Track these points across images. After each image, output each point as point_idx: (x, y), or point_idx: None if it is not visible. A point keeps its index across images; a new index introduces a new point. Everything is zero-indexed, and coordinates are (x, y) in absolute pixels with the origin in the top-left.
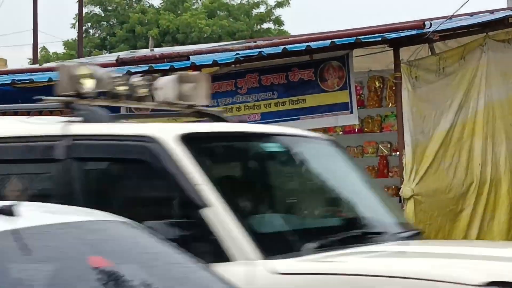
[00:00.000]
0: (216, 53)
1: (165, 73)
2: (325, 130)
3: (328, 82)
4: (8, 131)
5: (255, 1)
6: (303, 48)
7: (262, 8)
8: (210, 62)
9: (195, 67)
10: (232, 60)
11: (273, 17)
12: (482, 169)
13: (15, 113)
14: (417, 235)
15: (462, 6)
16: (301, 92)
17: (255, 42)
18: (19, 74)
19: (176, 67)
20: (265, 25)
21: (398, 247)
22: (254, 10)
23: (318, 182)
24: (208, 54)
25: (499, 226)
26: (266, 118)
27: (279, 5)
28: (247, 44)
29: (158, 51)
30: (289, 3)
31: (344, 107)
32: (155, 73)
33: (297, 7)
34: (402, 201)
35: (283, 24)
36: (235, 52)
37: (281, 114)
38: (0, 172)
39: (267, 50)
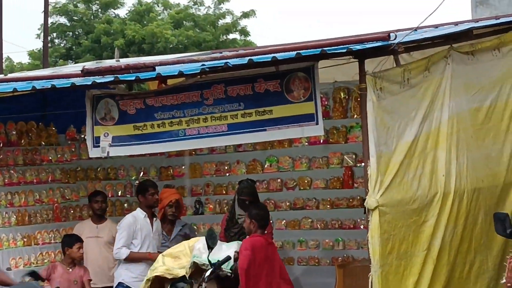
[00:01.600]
0: (182, 64)
1: (130, 83)
2: (290, 141)
3: (294, 93)
4: None
5: (221, 11)
6: (269, 59)
7: (228, 19)
8: (176, 73)
9: (161, 77)
10: (198, 71)
11: (239, 28)
12: (446, 180)
13: None
14: None
15: (426, 18)
16: (268, 103)
17: (221, 53)
18: None
19: (141, 77)
20: (231, 36)
21: None
22: (220, 20)
23: None
24: (174, 65)
25: (456, 239)
26: (232, 129)
27: (245, 15)
28: (213, 55)
29: (123, 61)
30: (255, 14)
31: (309, 118)
32: (120, 84)
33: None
34: (366, 211)
35: (249, 35)
36: (201, 63)
37: (247, 125)
38: None
39: (233, 61)
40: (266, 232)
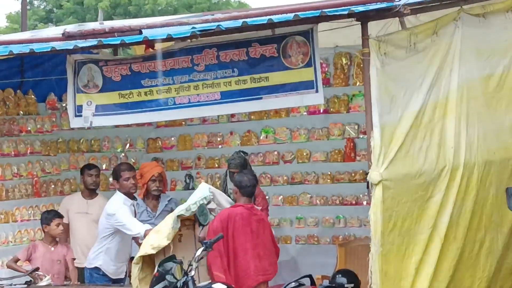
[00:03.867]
0: (171, 27)
1: (115, 48)
2: (288, 111)
3: (292, 59)
4: None
5: None
6: (265, 22)
7: None
8: (164, 37)
9: (148, 41)
10: (188, 35)
11: None
12: (455, 153)
13: None
14: None
15: None
16: (263, 69)
17: (213, 15)
18: None
19: (127, 41)
20: None
21: None
22: None
23: None
24: (162, 28)
25: (465, 215)
26: (226, 97)
27: None
28: (204, 17)
29: (108, 24)
30: None
31: (308, 85)
32: (104, 48)
33: None
34: (370, 186)
35: None
36: (191, 26)
37: (242, 93)
38: None
39: (225, 24)
40: (259, 206)
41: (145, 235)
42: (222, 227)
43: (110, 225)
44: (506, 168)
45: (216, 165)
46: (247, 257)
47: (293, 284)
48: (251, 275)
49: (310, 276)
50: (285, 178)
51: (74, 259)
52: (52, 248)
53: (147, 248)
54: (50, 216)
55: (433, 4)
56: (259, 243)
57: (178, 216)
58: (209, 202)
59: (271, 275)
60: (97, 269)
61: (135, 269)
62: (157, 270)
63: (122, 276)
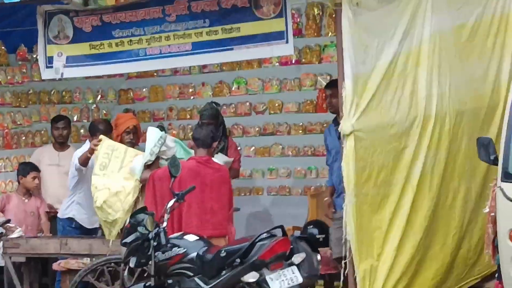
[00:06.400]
0: None
1: None
2: (260, 61)
3: (264, 9)
4: None
5: None
6: None
7: None
8: None
9: None
10: None
11: None
12: (427, 103)
13: None
14: None
15: None
16: (235, 20)
17: None
18: None
19: None
20: None
21: None
22: None
23: None
24: None
25: (438, 166)
26: (197, 48)
27: None
28: None
29: None
30: None
31: (280, 36)
32: None
33: None
34: (342, 137)
35: None
36: None
37: (213, 44)
38: None
39: None
40: (231, 157)
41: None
42: (163, 180)
43: (75, 173)
44: (477, 118)
45: (188, 116)
46: (190, 212)
47: (264, 235)
48: (193, 230)
49: (281, 227)
50: (257, 129)
51: (47, 212)
52: (26, 200)
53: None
54: (28, 168)
55: None
56: (213, 197)
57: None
58: (164, 142)
59: (225, 230)
60: (70, 220)
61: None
62: (129, 222)
63: (97, 225)
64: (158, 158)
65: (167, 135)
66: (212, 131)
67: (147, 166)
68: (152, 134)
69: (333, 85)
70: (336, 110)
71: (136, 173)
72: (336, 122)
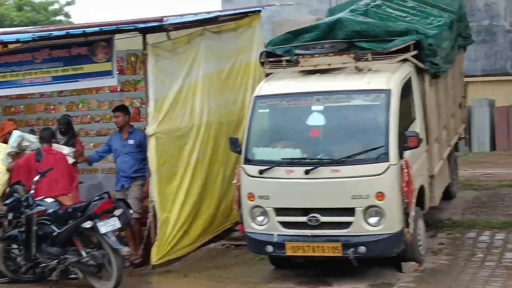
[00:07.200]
0: (19, 34)
1: None
2: (97, 89)
3: (98, 56)
4: None
5: (51, 0)
6: (81, 32)
7: (56, 5)
8: (14, 40)
9: (2, 43)
10: (31, 39)
11: (63, 12)
12: (200, 116)
13: None
14: None
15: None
16: (80, 62)
17: (48, 27)
18: None
19: None
20: (58, 17)
21: None
22: (50, 6)
23: None
24: (14, 34)
25: (207, 156)
26: (56, 80)
27: (68, 4)
28: (41, 28)
29: None
30: (74, 3)
31: (108, 73)
32: None
33: (83, 5)
34: (147, 137)
35: (71, 17)
36: (32, 33)
37: (66, 77)
38: None
39: (56, 33)
40: (79, 150)
41: None
42: (25, 164)
43: None
44: (231, 126)
45: (51, 124)
46: (42, 182)
47: (96, 198)
48: (45, 191)
49: (107, 193)
50: (94, 132)
51: None
52: None
53: None
54: None
55: (187, 25)
56: (56, 171)
57: (8, 153)
58: (22, 139)
59: (68, 191)
60: None
61: None
62: (9, 190)
63: None
64: (24, 150)
65: (29, 134)
66: (52, 132)
67: (14, 157)
68: (14, 134)
69: (118, 110)
70: (120, 125)
71: (3, 158)
72: (119, 132)
